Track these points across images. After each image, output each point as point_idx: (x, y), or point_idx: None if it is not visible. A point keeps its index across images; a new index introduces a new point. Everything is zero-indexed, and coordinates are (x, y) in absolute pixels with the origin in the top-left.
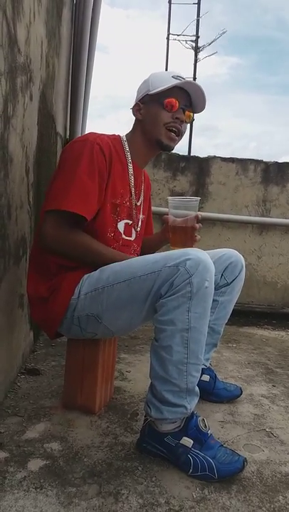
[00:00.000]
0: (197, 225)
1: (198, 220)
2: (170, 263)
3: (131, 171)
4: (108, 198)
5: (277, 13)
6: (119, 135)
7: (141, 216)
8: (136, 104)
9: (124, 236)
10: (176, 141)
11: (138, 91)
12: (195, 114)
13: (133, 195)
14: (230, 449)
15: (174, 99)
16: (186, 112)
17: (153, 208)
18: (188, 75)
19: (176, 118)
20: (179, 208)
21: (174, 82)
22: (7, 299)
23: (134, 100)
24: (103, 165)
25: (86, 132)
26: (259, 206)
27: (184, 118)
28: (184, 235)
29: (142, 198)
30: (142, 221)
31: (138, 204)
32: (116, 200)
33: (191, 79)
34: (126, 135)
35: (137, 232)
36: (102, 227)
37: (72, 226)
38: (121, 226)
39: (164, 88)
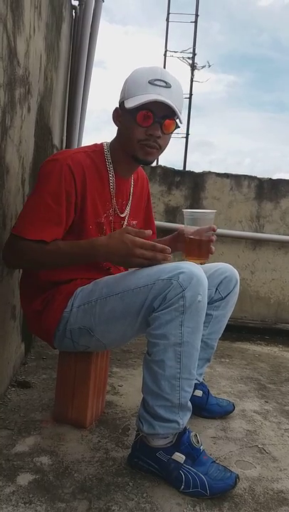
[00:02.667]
0: (214, 237)
1: (214, 231)
2: (163, 276)
3: (112, 183)
4: (91, 219)
5: (272, 33)
6: (102, 144)
7: (132, 223)
8: (115, 110)
9: None
10: (154, 155)
11: (120, 92)
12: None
13: (115, 208)
14: (222, 465)
15: (146, 112)
16: (166, 122)
17: None
18: (185, 91)
19: (150, 134)
20: (195, 220)
21: (149, 91)
22: None
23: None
24: (71, 187)
25: (82, 145)
26: (253, 222)
27: (159, 133)
28: (199, 248)
29: (128, 207)
30: (133, 227)
31: (122, 215)
32: (100, 219)
33: (169, 79)
34: (110, 143)
35: None
36: None
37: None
38: None
39: (135, 104)
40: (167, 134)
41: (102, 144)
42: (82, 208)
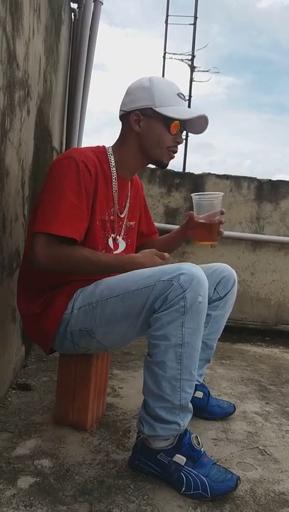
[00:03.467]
0: (223, 219)
1: (222, 214)
2: (164, 277)
3: (115, 185)
4: (97, 216)
5: (271, 34)
6: (104, 146)
7: (129, 224)
8: (134, 114)
9: (114, 252)
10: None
11: (134, 97)
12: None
13: (116, 209)
14: (223, 467)
15: (178, 124)
16: (182, 133)
17: None
18: (185, 93)
19: (177, 142)
20: (203, 204)
21: (179, 104)
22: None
23: (121, 105)
24: (89, 183)
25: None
26: (252, 223)
27: (182, 141)
28: (210, 231)
29: (126, 209)
30: (131, 228)
31: (122, 216)
32: (104, 216)
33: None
34: (112, 146)
35: (126, 241)
36: (94, 244)
37: (62, 243)
38: (110, 242)
39: (181, 116)
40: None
41: (103, 146)
42: (93, 205)
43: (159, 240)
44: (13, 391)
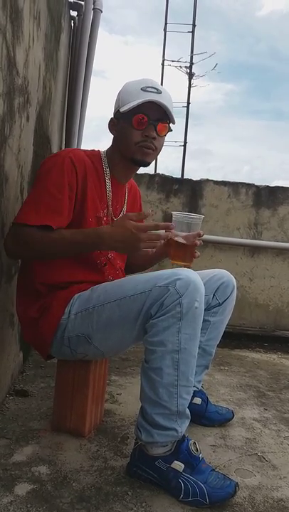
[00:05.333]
0: (198, 242)
1: (199, 236)
2: (160, 283)
3: (108, 186)
4: (90, 213)
5: (269, 42)
6: (99, 150)
7: None
8: (111, 120)
9: (109, 255)
10: (151, 155)
11: (114, 104)
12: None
13: (110, 211)
14: (221, 473)
15: (141, 116)
16: (159, 126)
17: None
18: (182, 100)
19: (146, 136)
20: (182, 223)
21: (142, 97)
22: None
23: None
24: (73, 178)
25: None
26: (251, 229)
27: (155, 134)
28: (184, 251)
29: (122, 213)
30: None
31: (116, 218)
32: (98, 213)
33: (159, 87)
34: (106, 150)
35: None
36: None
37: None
38: None
39: (131, 106)
40: (161, 137)
41: (98, 150)
42: (82, 201)
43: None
44: (11, 397)
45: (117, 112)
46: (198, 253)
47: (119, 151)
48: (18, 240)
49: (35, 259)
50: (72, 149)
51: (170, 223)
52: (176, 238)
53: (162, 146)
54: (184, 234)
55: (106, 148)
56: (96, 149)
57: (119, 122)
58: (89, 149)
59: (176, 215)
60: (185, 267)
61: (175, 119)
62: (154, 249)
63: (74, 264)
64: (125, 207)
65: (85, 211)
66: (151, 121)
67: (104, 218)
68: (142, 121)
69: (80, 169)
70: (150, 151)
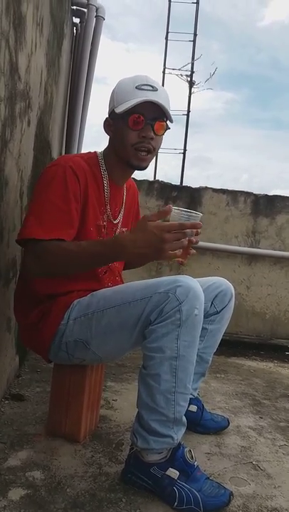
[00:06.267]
0: (194, 239)
1: (197, 234)
2: (160, 290)
3: (107, 189)
4: (91, 221)
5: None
6: (95, 152)
7: (123, 230)
8: (106, 120)
9: None
10: (147, 161)
11: (108, 103)
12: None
13: (109, 214)
14: (216, 481)
15: (137, 116)
16: (156, 125)
17: None
18: (183, 108)
19: (143, 137)
20: (180, 220)
21: (137, 96)
22: None
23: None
24: (77, 188)
25: None
26: (248, 237)
27: (152, 135)
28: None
29: (121, 215)
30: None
31: (115, 222)
32: (99, 221)
33: (155, 84)
34: (103, 151)
35: None
36: None
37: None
38: None
39: (127, 107)
40: (159, 136)
41: (95, 152)
42: (84, 209)
43: None
44: (6, 401)
45: (112, 112)
46: (193, 251)
47: (115, 153)
48: (38, 256)
49: (57, 274)
50: (71, 157)
51: (197, 222)
52: None
53: (160, 145)
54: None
55: (102, 149)
56: (92, 151)
57: (115, 123)
58: (85, 152)
59: (174, 211)
60: (180, 263)
61: (175, 125)
62: (182, 259)
63: (76, 276)
64: (123, 208)
65: (86, 220)
66: (148, 121)
67: (105, 224)
68: (138, 121)
69: (82, 178)
70: (147, 155)
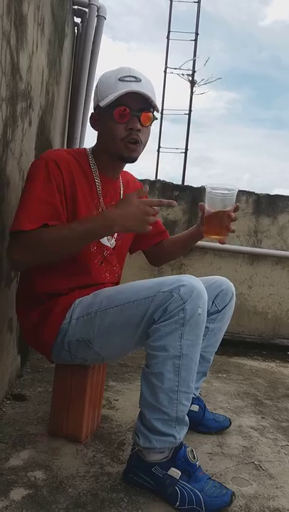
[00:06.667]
0: (233, 215)
1: (236, 209)
2: (164, 289)
3: (98, 183)
4: (83, 212)
5: (272, 51)
6: (84, 148)
7: None
8: (92, 115)
9: (106, 244)
10: (137, 151)
11: (93, 98)
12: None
13: (103, 207)
14: (218, 482)
15: (123, 108)
16: (143, 116)
17: None
18: (184, 107)
19: (130, 129)
20: (215, 199)
21: (120, 88)
22: None
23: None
24: (60, 179)
25: None
26: (250, 236)
27: (139, 126)
28: (219, 224)
29: None
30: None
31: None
32: (92, 212)
33: (138, 74)
34: (91, 148)
35: (117, 242)
36: None
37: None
38: (104, 240)
39: (110, 99)
40: (146, 127)
41: (84, 148)
42: (74, 200)
43: (172, 239)
44: (8, 401)
45: (97, 107)
46: (233, 227)
47: (105, 147)
48: (22, 248)
49: (47, 260)
50: (55, 151)
51: (173, 201)
52: (209, 212)
53: (148, 137)
54: (218, 209)
55: (91, 146)
56: (82, 147)
57: (101, 117)
58: (73, 148)
59: (209, 191)
60: (219, 241)
61: (176, 125)
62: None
63: (71, 269)
64: None
65: (77, 211)
66: (134, 112)
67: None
68: (124, 114)
69: (65, 170)
70: (136, 146)
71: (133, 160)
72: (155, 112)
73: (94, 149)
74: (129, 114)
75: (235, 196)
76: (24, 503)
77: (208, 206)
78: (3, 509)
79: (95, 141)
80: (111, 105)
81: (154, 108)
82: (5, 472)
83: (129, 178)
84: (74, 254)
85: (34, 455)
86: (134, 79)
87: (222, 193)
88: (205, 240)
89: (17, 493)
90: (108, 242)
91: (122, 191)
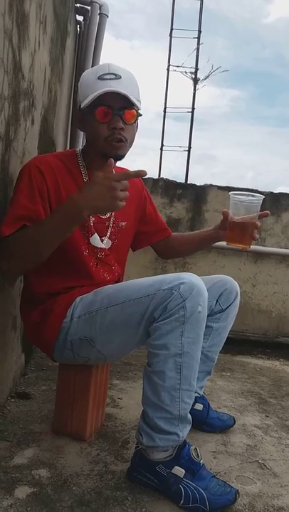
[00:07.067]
0: (257, 223)
1: (263, 216)
2: (164, 287)
3: None
4: None
5: (275, 48)
6: (74, 150)
7: (120, 224)
8: (77, 116)
9: (101, 246)
10: (123, 148)
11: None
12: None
13: None
14: (222, 480)
15: (103, 108)
16: (126, 114)
17: None
18: (187, 105)
19: (113, 128)
20: (239, 206)
21: (99, 87)
22: (0, 320)
23: None
24: (43, 185)
25: None
26: None
27: (121, 125)
28: (243, 232)
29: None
30: (121, 228)
31: (104, 217)
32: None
33: (118, 70)
34: (81, 149)
35: (113, 241)
36: (75, 247)
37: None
38: (95, 240)
39: (89, 100)
40: (130, 125)
41: (73, 149)
42: (59, 205)
43: (185, 236)
44: (13, 399)
45: (79, 108)
46: (257, 235)
47: (91, 147)
48: (4, 254)
49: (29, 262)
50: (40, 156)
51: (142, 170)
52: (233, 219)
53: (134, 134)
54: (242, 216)
55: (81, 147)
56: (72, 149)
57: (84, 118)
58: (63, 151)
59: (234, 197)
60: (242, 249)
61: (179, 123)
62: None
63: (67, 272)
64: None
65: None
66: (116, 111)
67: (92, 219)
68: (106, 113)
69: (49, 175)
70: (121, 144)
71: (120, 157)
72: (137, 109)
73: (83, 150)
74: (111, 114)
75: (260, 204)
76: (29, 501)
77: (233, 213)
78: (8, 507)
79: (85, 142)
80: (92, 105)
81: (136, 105)
82: (9, 470)
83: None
84: (54, 249)
85: (38, 453)
86: (113, 76)
87: (248, 200)
88: None
89: (21, 491)
90: (102, 243)
91: None
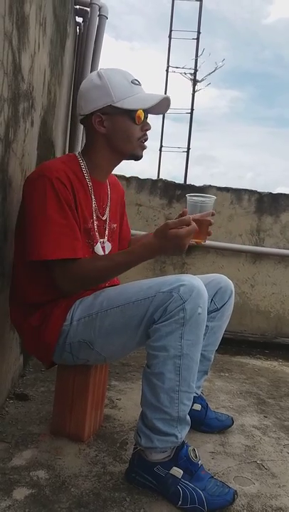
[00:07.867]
0: (212, 220)
1: (212, 215)
2: (164, 289)
3: (91, 187)
4: (81, 226)
5: (274, 49)
6: (74, 154)
7: (112, 226)
8: (96, 116)
9: (101, 253)
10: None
11: (90, 98)
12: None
13: (97, 211)
14: (220, 480)
15: (142, 112)
16: (149, 116)
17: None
18: (186, 106)
19: (145, 130)
20: (195, 206)
21: (135, 92)
22: None
23: (78, 109)
24: (69, 197)
25: None
26: (253, 235)
27: (150, 126)
28: (199, 229)
29: (107, 210)
30: (113, 230)
31: (104, 218)
32: (87, 225)
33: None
34: (81, 151)
35: (111, 243)
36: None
37: (67, 263)
38: (98, 249)
39: (145, 105)
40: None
41: (73, 154)
42: (77, 210)
43: (138, 238)
44: (11, 401)
45: (106, 108)
46: (211, 231)
47: (108, 148)
48: (71, 277)
49: (88, 288)
50: (53, 166)
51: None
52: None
53: None
54: (198, 215)
55: (80, 150)
56: (70, 153)
57: (112, 118)
58: (62, 156)
59: (190, 199)
60: (197, 243)
61: (178, 124)
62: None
63: None
64: (109, 204)
65: (79, 217)
66: (146, 115)
67: (96, 223)
68: (144, 116)
69: (68, 184)
70: (146, 144)
71: (141, 157)
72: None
73: (86, 153)
74: (145, 117)
75: (213, 203)
76: (27, 503)
77: (190, 213)
78: (6, 509)
79: (90, 144)
80: (131, 109)
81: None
82: (8, 472)
83: (114, 179)
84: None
85: (37, 454)
86: (138, 82)
87: (201, 201)
88: (207, 239)
89: (20, 493)
90: (103, 250)
91: (109, 193)
